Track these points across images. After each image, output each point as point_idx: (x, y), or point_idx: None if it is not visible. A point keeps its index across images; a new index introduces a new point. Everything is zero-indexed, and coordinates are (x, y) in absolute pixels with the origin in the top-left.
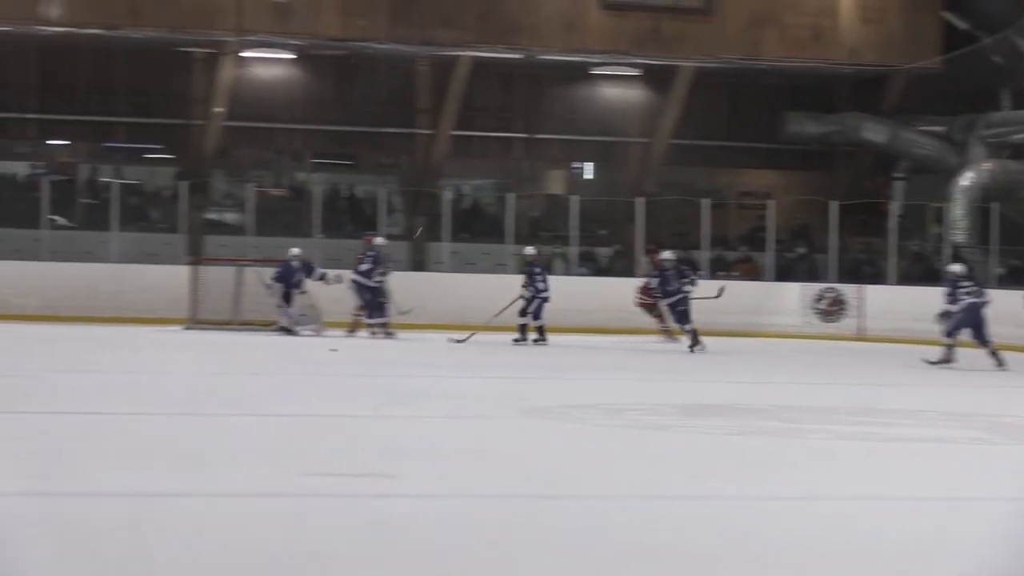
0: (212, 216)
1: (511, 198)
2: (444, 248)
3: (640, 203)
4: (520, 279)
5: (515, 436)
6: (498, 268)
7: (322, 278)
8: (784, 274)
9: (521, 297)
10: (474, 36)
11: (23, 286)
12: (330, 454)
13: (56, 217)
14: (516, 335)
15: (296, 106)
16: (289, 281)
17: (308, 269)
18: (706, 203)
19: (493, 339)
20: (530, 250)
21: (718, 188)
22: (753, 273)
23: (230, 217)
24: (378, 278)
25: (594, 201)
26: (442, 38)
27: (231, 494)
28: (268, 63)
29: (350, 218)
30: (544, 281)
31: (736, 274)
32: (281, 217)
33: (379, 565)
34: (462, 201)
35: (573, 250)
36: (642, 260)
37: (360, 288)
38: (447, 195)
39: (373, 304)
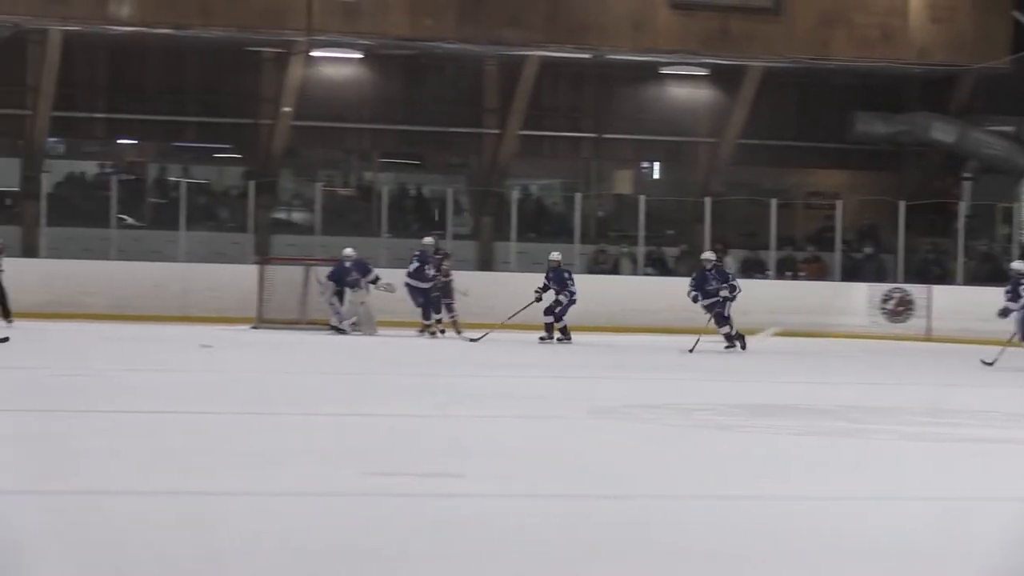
0: (280, 215)
1: (578, 198)
2: (511, 248)
3: (708, 203)
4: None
5: (581, 436)
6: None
7: (374, 282)
8: (851, 274)
9: (557, 301)
10: (542, 36)
11: (92, 285)
12: (394, 453)
13: (125, 216)
14: (543, 334)
15: (364, 106)
16: (342, 281)
17: (362, 270)
18: (774, 203)
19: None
20: (556, 255)
21: (786, 188)
22: (820, 273)
23: (298, 216)
24: (429, 278)
25: (661, 201)
26: (510, 38)
27: (296, 493)
28: (336, 63)
29: (417, 218)
30: (574, 284)
31: (803, 274)
32: (348, 217)
33: (443, 564)
34: (529, 201)
35: (640, 250)
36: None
37: (411, 291)
38: (514, 195)
39: (427, 305)
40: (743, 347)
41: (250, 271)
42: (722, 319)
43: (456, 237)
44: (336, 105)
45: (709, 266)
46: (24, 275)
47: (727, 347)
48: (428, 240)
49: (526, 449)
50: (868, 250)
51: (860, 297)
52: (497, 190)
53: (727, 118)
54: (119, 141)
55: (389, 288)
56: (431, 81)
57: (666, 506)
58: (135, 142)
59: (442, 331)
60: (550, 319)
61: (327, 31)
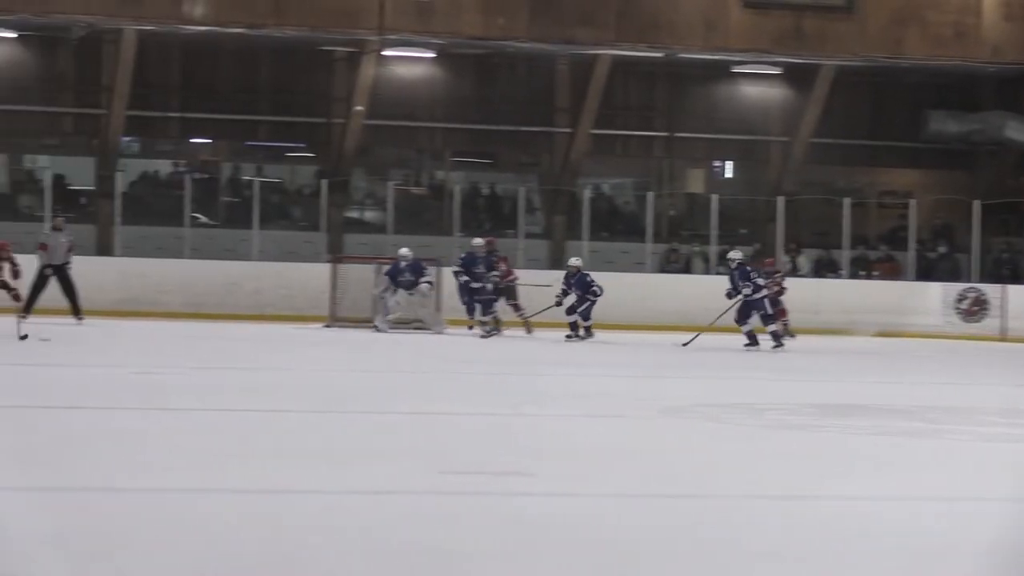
0: (352, 214)
1: (650, 197)
2: (583, 247)
3: (780, 202)
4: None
5: (653, 435)
6: (637, 267)
7: (419, 285)
8: (925, 274)
9: (590, 301)
10: (614, 35)
11: (166, 283)
12: (468, 452)
13: (199, 215)
14: (569, 332)
15: (436, 105)
16: (395, 279)
17: (417, 271)
18: (847, 202)
19: (632, 338)
20: (576, 261)
21: (859, 187)
22: (894, 273)
23: (370, 215)
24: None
25: (734, 200)
26: (582, 37)
27: (369, 492)
28: (409, 62)
29: (489, 217)
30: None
31: (877, 274)
32: (420, 216)
33: (516, 563)
34: (601, 200)
35: (712, 249)
36: (783, 259)
37: (460, 289)
38: (586, 194)
39: (471, 304)
40: (754, 344)
41: (322, 270)
42: (741, 317)
43: (528, 236)
44: (408, 104)
45: (733, 265)
46: (99, 274)
47: (747, 345)
48: (477, 241)
49: (598, 448)
50: (942, 249)
51: (934, 297)
52: (569, 189)
53: (800, 117)
54: (193, 140)
55: (425, 294)
56: (503, 80)
57: (738, 505)
58: (209, 141)
59: (490, 331)
60: (574, 318)
61: (400, 30)
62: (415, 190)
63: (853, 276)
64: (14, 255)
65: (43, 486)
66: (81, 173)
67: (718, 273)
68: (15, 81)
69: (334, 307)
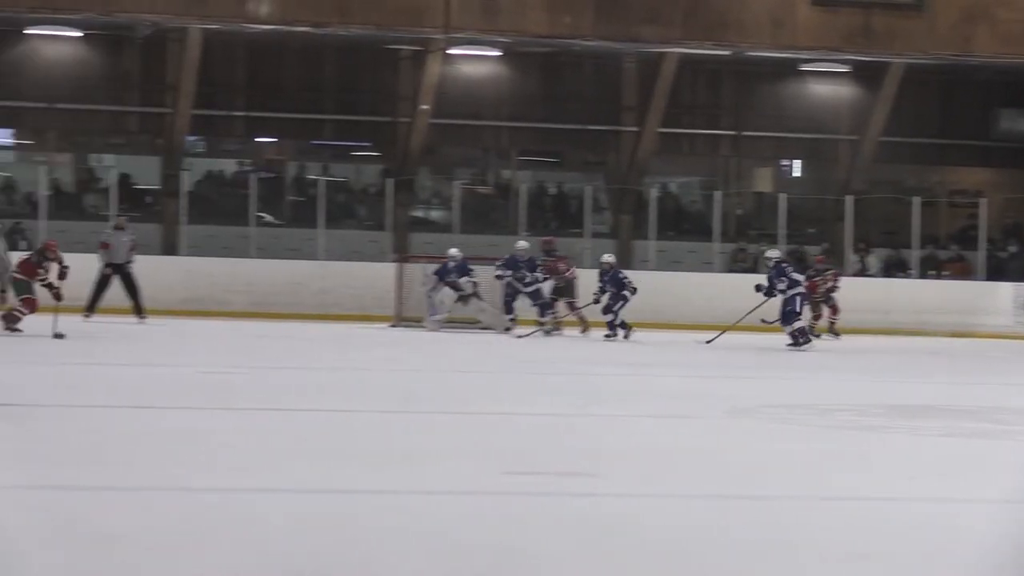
0: (418, 213)
1: (718, 196)
2: (650, 246)
3: (849, 201)
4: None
5: (720, 436)
6: (704, 266)
7: (459, 286)
8: (996, 274)
9: (623, 300)
10: (680, 33)
11: (231, 283)
12: (534, 452)
13: (264, 214)
14: (608, 331)
15: (502, 103)
16: (443, 278)
17: (462, 272)
18: (916, 201)
19: (700, 338)
20: (609, 257)
21: (929, 186)
22: (964, 272)
23: (436, 215)
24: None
25: (802, 199)
26: (648, 35)
27: (436, 491)
28: (474, 60)
29: (555, 216)
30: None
31: (947, 273)
32: (486, 215)
33: (582, 564)
34: (668, 199)
35: (781, 248)
36: (852, 259)
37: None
38: (653, 193)
39: (509, 304)
40: (804, 343)
41: (388, 269)
42: (787, 316)
43: (595, 235)
44: (474, 103)
45: (771, 264)
46: (164, 273)
47: (790, 344)
48: (521, 244)
49: (663, 449)
50: (1013, 249)
51: (1005, 297)
52: (635, 188)
53: (868, 115)
54: (258, 139)
55: (465, 288)
56: (569, 78)
57: (806, 507)
58: (274, 140)
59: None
60: (611, 317)
61: (465, 29)
62: (481, 189)
63: (923, 276)
64: (61, 255)
65: (112, 485)
66: (146, 172)
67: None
68: (81, 80)
69: (399, 307)
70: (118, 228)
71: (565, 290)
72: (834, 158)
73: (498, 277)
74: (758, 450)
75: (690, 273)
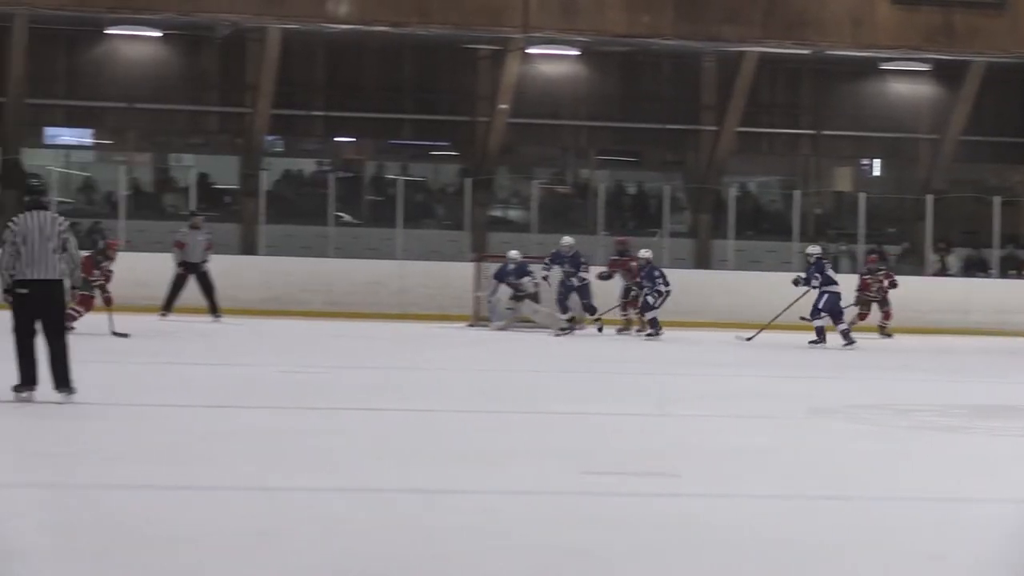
0: (496, 213)
1: (797, 195)
2: (729, 246)
3: (929, 200)
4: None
5: (800, 436)
6: (783, 266)
7: (521, 287)
8: None
9: (647, 298)
10: (760, 32)
11: (310, 282)
12: (612, 452)
13: (342, 214)
14: (649, 330)
15: (581, 103)
16: (502, 279)
17: (520, 274)
18: (997, 200)
19: (778, 338)
20: (646, 252)
21: (1009, 185)
22: None
23: (514, 214)
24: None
25: (882, 198)
26: (728, 34)
27: (514, 491)
28: (553, 60)
29: (634, 215)
30: (664, 280)
31: None
32: (565, 214)
33: (660, 564)
34: (747, 198)
35: (860, 248)
36: (933, 258)
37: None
38: (732, 192)
39: (563, 301)
40: (819, 341)
41: (466, 269)
42: (813, 312)
43: (673, 235)
44: (553, 102)
45: (812, 260)
46: (243, 272)
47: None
48: (566, 240)
49: (743, 449)
50: None
51: None
52: (714, 187)
53: (949, 114)
54: (337, 139)
55: (527, 287)
56: (648, 78)
57: (885, 507)
58: (353, 140)
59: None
60: (652, 314)
61: (544, 28)
62: (559, 189)
63: (1003, 275)
64: (116, 256)
65: (188, 485)
66: (225, 172)
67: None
68: (160, 80)
69: (478, 306)
70: (194, 228)
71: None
72: (914, 157)
73: (544, 278)
74: (838, 450)
75: (769, 273)
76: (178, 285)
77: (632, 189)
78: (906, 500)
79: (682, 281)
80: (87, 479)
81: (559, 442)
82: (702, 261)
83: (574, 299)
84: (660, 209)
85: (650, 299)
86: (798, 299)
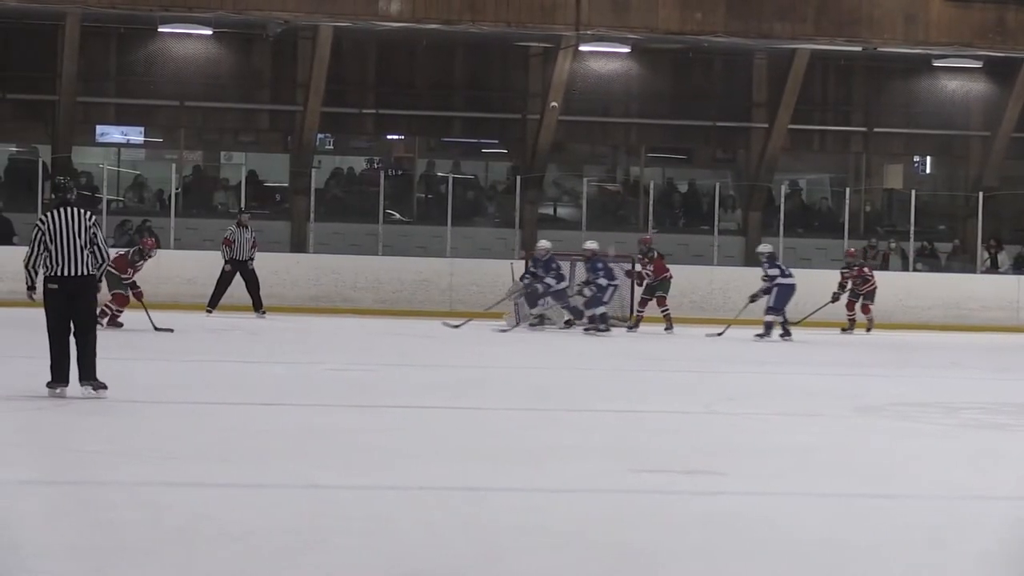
0: (546, 211)
1: (848, 192)
2: (779, 244)
3: (980, 198)
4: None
5: (848, 434)
6: (833, 264)
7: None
8: None
9: (584, 291)
10: (812, 29)
11: (359, 280)
12: (660, 450)
13: (393, 212)
14: (593, 326)
15: (631, 100)
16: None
17: (548, 267)
18: None
19: (821, 336)
20: (590, 244)
21: None
22: None
23: (564, 212)
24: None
25: (933, 196)
26: (780, 31)
27: (564, 489)
28: (604, 57)
29: (684, 213)
30: (608, 274)
31: None
32: (615, 212)
33: (706, 563)
34: (797, 196)
35: (910, 245)
36: (984, 256)
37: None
38: (783, 189)
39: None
40: (764, 335)
41: (517, 267)
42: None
43: (723, 232)
44: (603, 100)
45: (763, 258)
46: (292, 269)
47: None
48: (542, 244)
49: (791, 447)
50: None
51: None
52: (766, 185)
53: (1001, 111)
54: (387, 136)
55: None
56: (700, 75)
57: (934, 507)
58: (402, 137)
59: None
60: (598, 309)
61: (595, 26)
62: (610, 186)
63: None
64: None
65: (238, 483)
66: (276, 170)
67: (916, 270)
68: (211, 78)
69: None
70: (241, 225)
71: (658, 287)
72: (965, 155)
73: (525, 284)
74: (886, 449)
75: (819, 270)
76: (225, 282)
77: (683, 187)
78: (954, 499)
79: (731, 279)
80: (135, 477)
81: (607, 440)
82: (752, 259)
83: (550, 302)
84: (711, 207)
85: (587, 292)
86: (758, 294)
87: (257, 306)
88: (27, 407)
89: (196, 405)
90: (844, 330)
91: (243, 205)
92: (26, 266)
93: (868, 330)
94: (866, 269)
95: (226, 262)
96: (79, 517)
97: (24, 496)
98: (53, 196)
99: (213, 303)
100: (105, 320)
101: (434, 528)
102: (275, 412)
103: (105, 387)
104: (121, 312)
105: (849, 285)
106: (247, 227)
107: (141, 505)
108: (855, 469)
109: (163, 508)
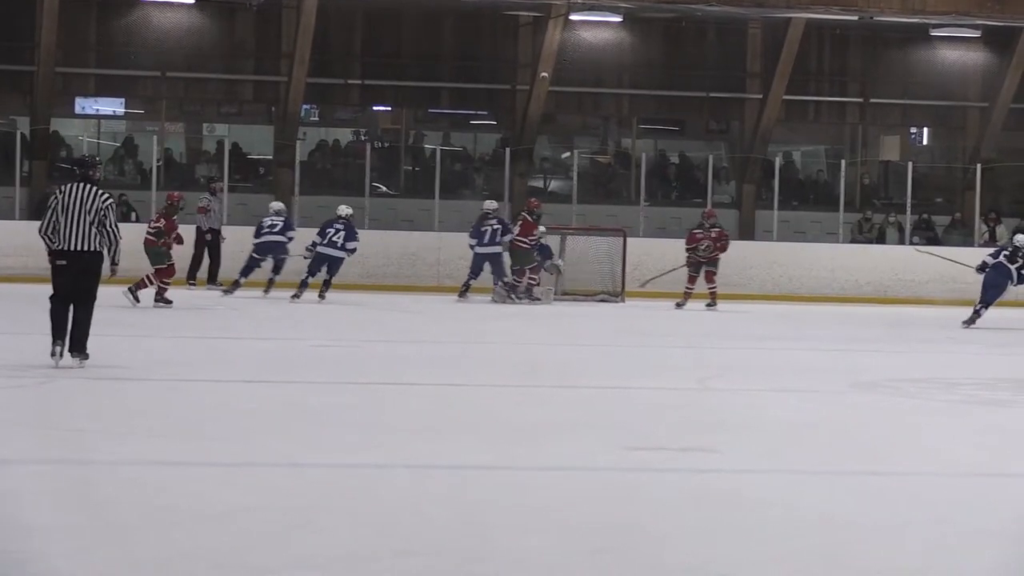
0: (536, 183)
1: (843, 165)
2: (773, 216)
3: (978, 170)
4: None
5: (844, 410)
6: (829, 237)
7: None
8: None
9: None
10: None
11: None
12: (654, 427)
13: (379, 184)
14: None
15: (623, 70)
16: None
17: (547, 253)
18: None
19: (823, 310)
20: (343, 209)
21: None
22: None
23: (554, 184)
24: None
25: (930, 168)
26: (774, 0)
27: (554, 467)
28: (596, 26)
29: (677, 185)
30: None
31: None
32: (606, 184)
33: (700, 540)
34: (792, 168)
35: (907, 218)
36: (982, 229)
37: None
38: (777, 161)
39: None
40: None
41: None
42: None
43: (717, 205)
44: (594, 70)
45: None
46: None
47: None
48: (488, 203)
49: (787, 423)
50: None
51: None
52: (759, 157)
53: (999, 82)
54: (373, 108)
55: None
56: (692, 45)
57: (931, 483)
58: (389, 109)
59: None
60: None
61: None
62: (600, 158)
63: None
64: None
65: (219, 462)
66: (259, 142)
67: (912, 243)
68: (194, 49)
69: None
70: (215, 193)
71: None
72: (963, 126)
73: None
74: (882, 425)
75: (813, 244)
76: (213, 255)
77: (675, 159)
78: (951, 476)
79: (727, 252)
80: (118, 456)
81: (600, 417)
82: (746, 232)
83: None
84: (704, 179)
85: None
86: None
87: (213, 278)
88: (8, 384)
89: (179, 382)
90: (679, 305)
91: (224, 177)
92: (40, 234)
93: (711, 304)
94: (725, 231)
95: (206, 232)
96: (62, 496)
97: (6, 475)
98: (76, 170)
99: (212, 278)
100: (155, 297)
101: (422, 506)
102: (259, 389)
103: (87, 356)
104: (167, 287)
105: (703, 247)
106: (217, 196)
107: (124, 483)
108: (852, 445)
109: (147, 487)
